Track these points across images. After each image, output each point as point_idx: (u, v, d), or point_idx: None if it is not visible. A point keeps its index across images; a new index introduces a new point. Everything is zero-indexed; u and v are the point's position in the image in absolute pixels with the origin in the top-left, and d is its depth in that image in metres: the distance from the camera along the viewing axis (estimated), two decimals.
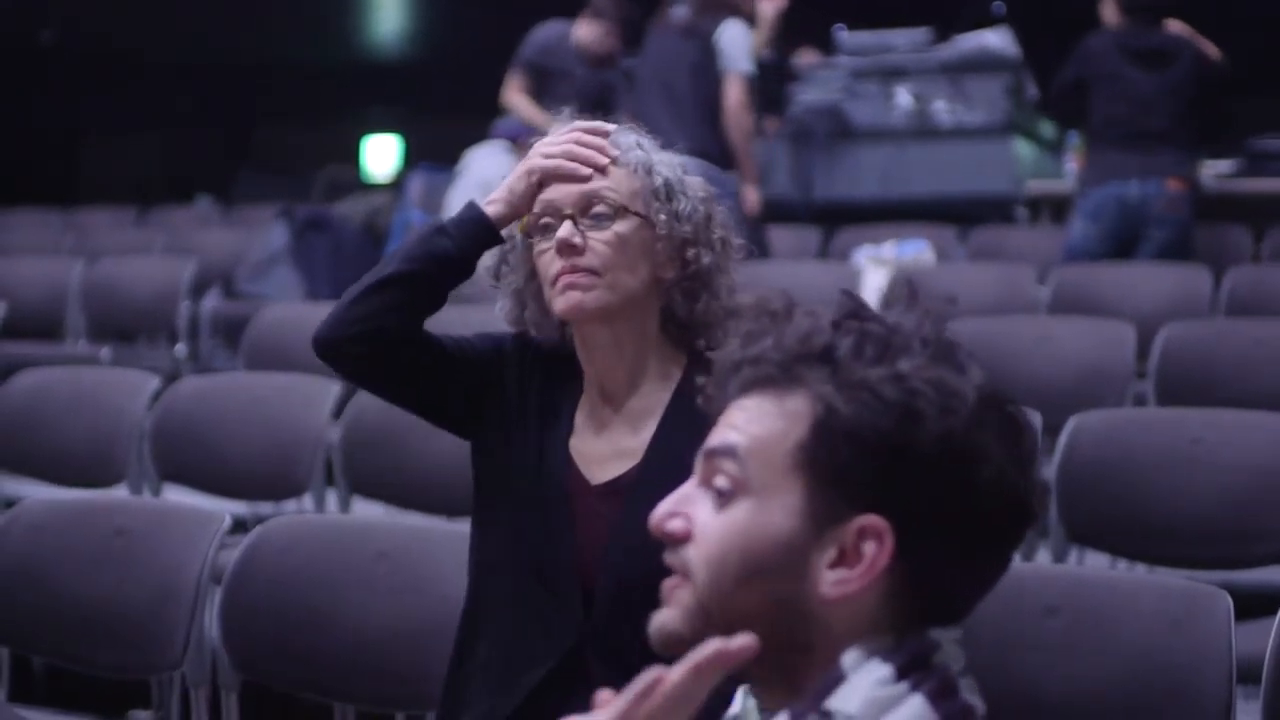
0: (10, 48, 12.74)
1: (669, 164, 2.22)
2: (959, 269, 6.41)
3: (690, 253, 2.17)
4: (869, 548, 1.30)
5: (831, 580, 1.31)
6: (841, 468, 1.31)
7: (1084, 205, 6.39)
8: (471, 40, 8.95)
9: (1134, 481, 3.38)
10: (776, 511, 1.32)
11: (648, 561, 2.03)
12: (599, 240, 2.14)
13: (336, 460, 4.06)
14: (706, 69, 6.31)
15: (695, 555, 1.35)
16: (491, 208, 2.21)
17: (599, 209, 2.15)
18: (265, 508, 4.27)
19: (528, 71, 7.67)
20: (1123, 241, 6.27)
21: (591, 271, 2.12)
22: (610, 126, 2.23)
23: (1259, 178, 7.04)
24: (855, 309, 1.38)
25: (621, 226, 2.15)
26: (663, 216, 2.16)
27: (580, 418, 2.23)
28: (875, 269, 6.34)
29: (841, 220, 7.29)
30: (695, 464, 1.39)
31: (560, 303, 2.14)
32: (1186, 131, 6.34)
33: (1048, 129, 7.82)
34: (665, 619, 1.37)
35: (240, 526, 3.38)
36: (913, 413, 1.29)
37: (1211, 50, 6.41)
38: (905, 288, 1.43)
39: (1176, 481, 3.35)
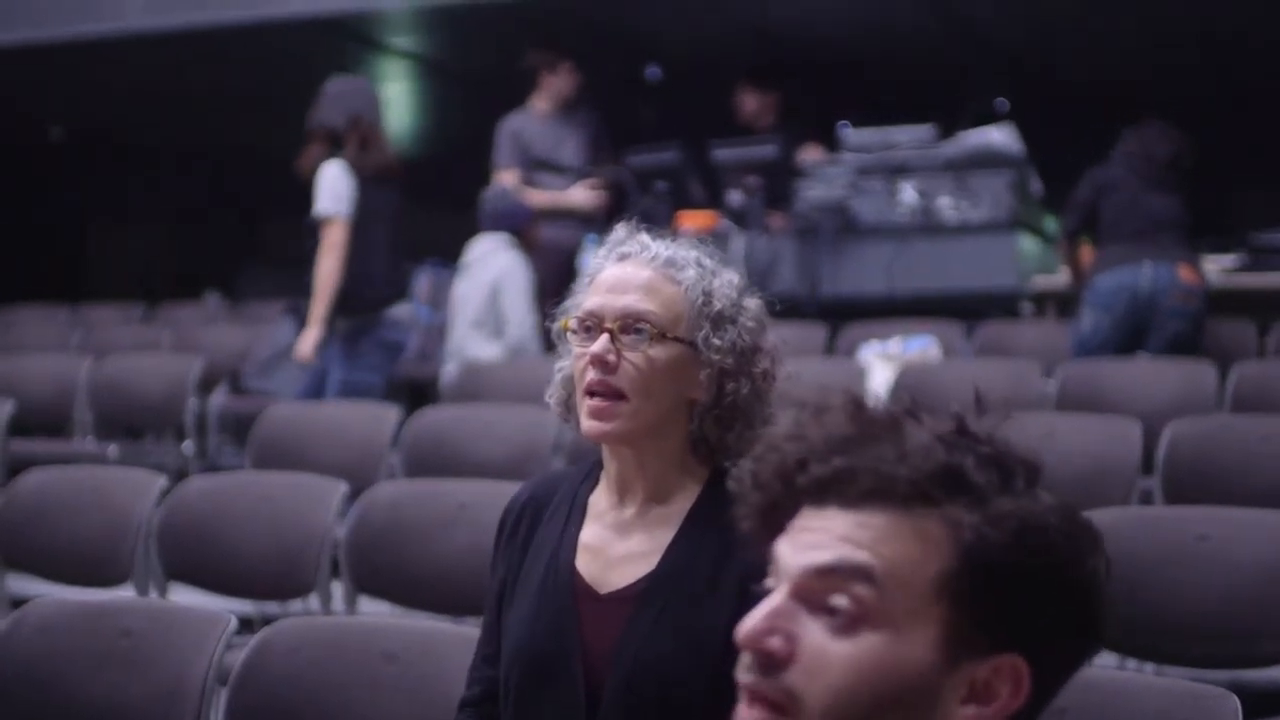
0: (19, 144, 12.83)
1: (727, 287, 2.17)
2: (965, 365, 6.41)
3: (729, 385, 2.13)
4: (1005, 688, 1.23)
5: (964, 717, 1.24)
6: (986, 602, 1.23)
7: (1092, 296, 6.40)
8: (467, 134, 9.01)
9: (1141, 580, 3.36)
10: (916, 644, 1.22)
11: (657, 668, 2.05)
12: (633, 360, 2.10)
13: (343, 559, 4.05)
14: None
15: (813, 685, 1.23)
16: None
17: (640, 327, 2.12)
18: (271, 607, 4.26)
19: (519, 167, 7.78)
20: (1134, 332, 6.29)
21: (619, 394, 2.10)
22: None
23: (1262, 272, 7.07)
24: (961, 425, 1.30)
25: (658, 350, 2.11)
26: (706, 346, 2.12)
27: (594, 513, 2.21)
28: (881, 365, 6.35)
29: (847, 316, 7.30)
30: (786, 575, 1.27)
31: (584, 424, 2.13)
32: (1189, 224, 6.44)
33: (1051, 224, 7.85)
34: None
35: (246, 626, 3.37)
36: (1050, 546, 1.23)
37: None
38: (974, 394, 1.34)
39: (1183, 580, 3.34)
